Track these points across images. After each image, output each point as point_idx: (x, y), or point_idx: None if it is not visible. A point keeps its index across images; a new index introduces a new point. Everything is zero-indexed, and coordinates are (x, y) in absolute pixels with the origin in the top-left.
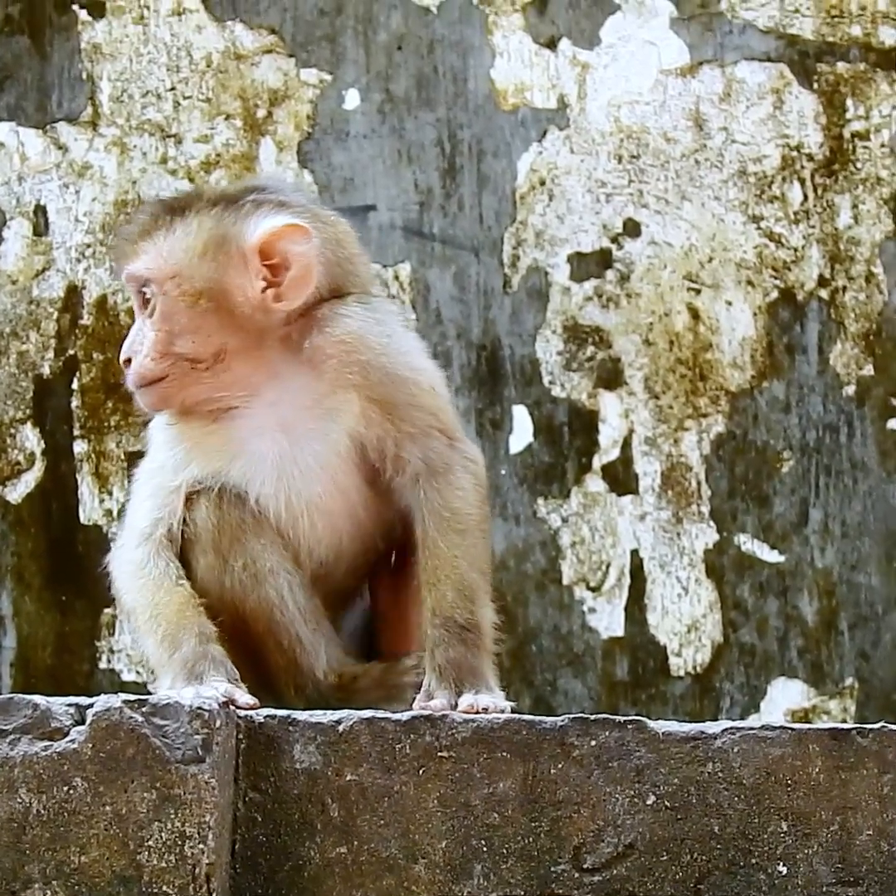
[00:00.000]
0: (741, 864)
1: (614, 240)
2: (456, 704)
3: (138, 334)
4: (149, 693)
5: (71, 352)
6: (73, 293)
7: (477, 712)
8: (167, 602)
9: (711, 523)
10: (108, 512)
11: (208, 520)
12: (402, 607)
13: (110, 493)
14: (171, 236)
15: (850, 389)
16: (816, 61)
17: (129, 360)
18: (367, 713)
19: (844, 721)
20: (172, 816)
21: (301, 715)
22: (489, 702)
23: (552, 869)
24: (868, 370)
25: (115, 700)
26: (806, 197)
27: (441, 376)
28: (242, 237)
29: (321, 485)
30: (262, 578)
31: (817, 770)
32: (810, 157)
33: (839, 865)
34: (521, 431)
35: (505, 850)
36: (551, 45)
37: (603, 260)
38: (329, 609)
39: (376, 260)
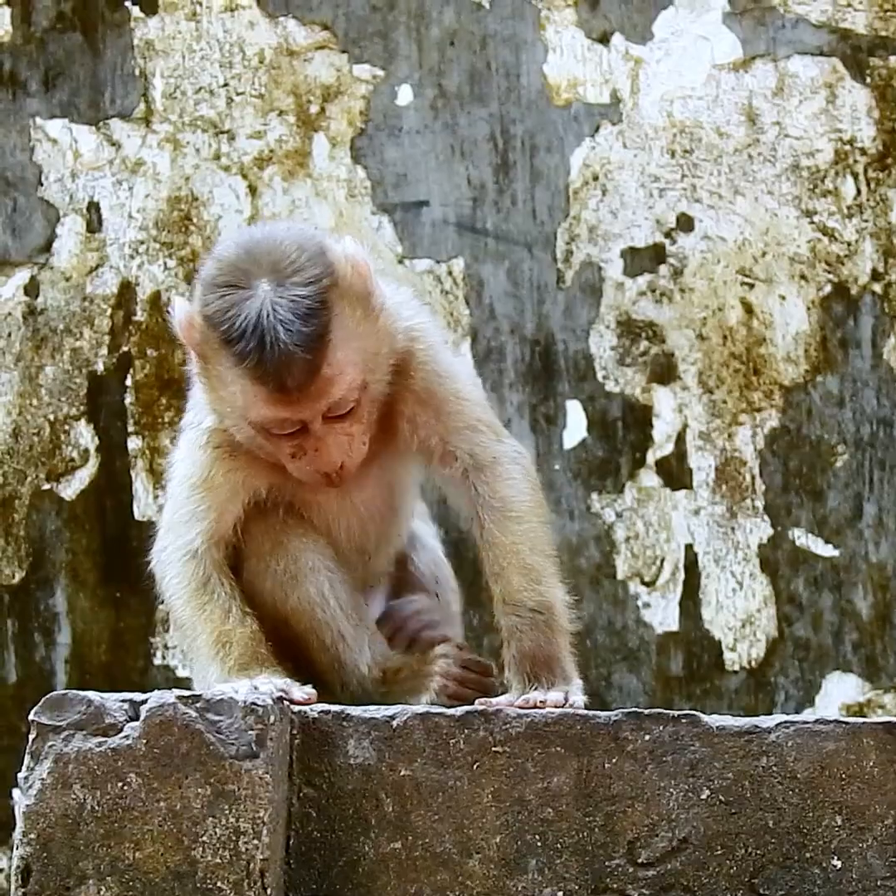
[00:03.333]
0: (795, 858)
1: (667, 234)
2: (528, 700)
3: (338, 439)
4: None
5: (125, 348)
6: (127, 289)
7: (541, 707)
8: (231, 630)
9: (766, 518)
10: (162, 508)
11: (252, 526)
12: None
13: (164, 490)
14: (342, 340)
15: None
16: (869, 55)
17: (342, 465)
18: (421, 708)
19: None
20: (227, 812)
21: (355, 710)
22: (559, 697)
23: (606, 863)
24: None
25: (169, 696)
26: (859, 191)
27: (475, 377)
28: (368, 288)
29: (369, 487)
30: (302, 578)
31: (871, 764)
32: (863, 152)
33: (893, 859)
34: (575, 426)
35: (559, 845)
36: (604, 40)
37: (656, 255)
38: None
39: (429, 256)
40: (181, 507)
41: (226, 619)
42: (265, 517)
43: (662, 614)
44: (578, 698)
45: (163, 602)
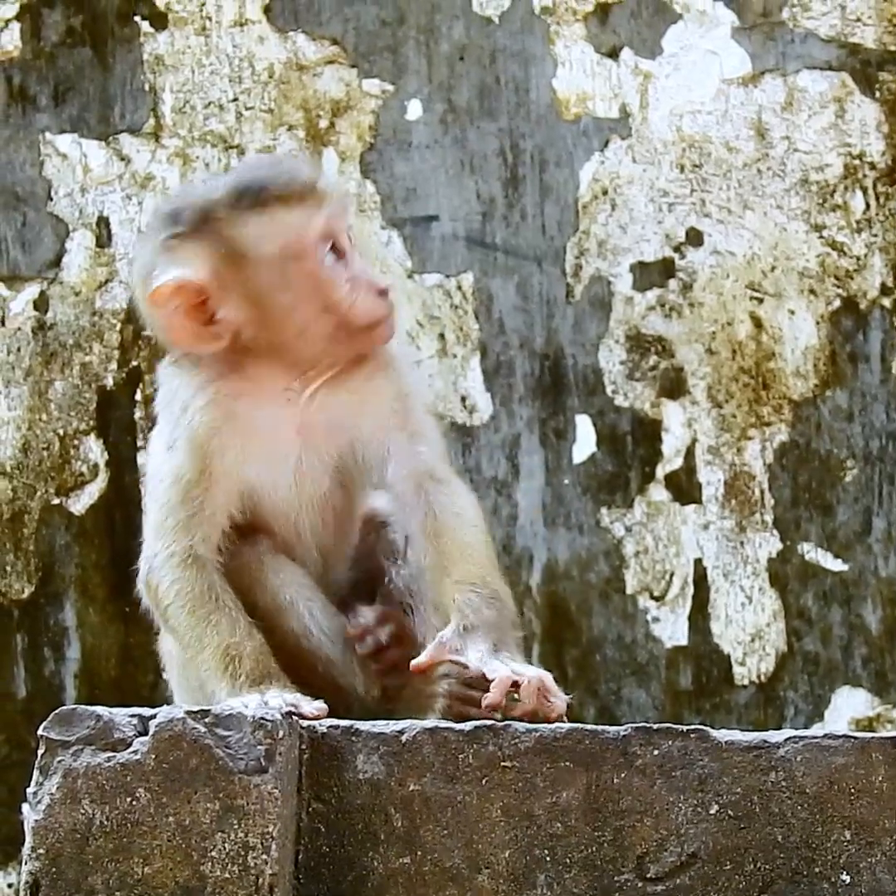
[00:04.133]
0: (804, 873)
1: (677, 249)
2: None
3: (363, 270)
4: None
5: (134, 363)
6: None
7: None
8: (240, 643)
9: (775, 532)
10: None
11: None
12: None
13: None
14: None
15: None
16: (879, 70)
17: (386, 290)
18: (430, 723)
19: None
20: (236, 827)
21: (364, 725)
22: (524, 668)
23: (615, 878)
24: None
25: (178, 711)
26: (868, 205)
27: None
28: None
29: (327, 483)
30: (284, 610)
31: (881, 779)
32: (873, 166)
33: None
34: (584, 441)
35: (568, 860)
36: (613, 54)
37: (665, 269)
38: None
39: (439, 270)
40: (161, 494)
41: (234, 631)
42: (241, 553)
43: (671, 629)
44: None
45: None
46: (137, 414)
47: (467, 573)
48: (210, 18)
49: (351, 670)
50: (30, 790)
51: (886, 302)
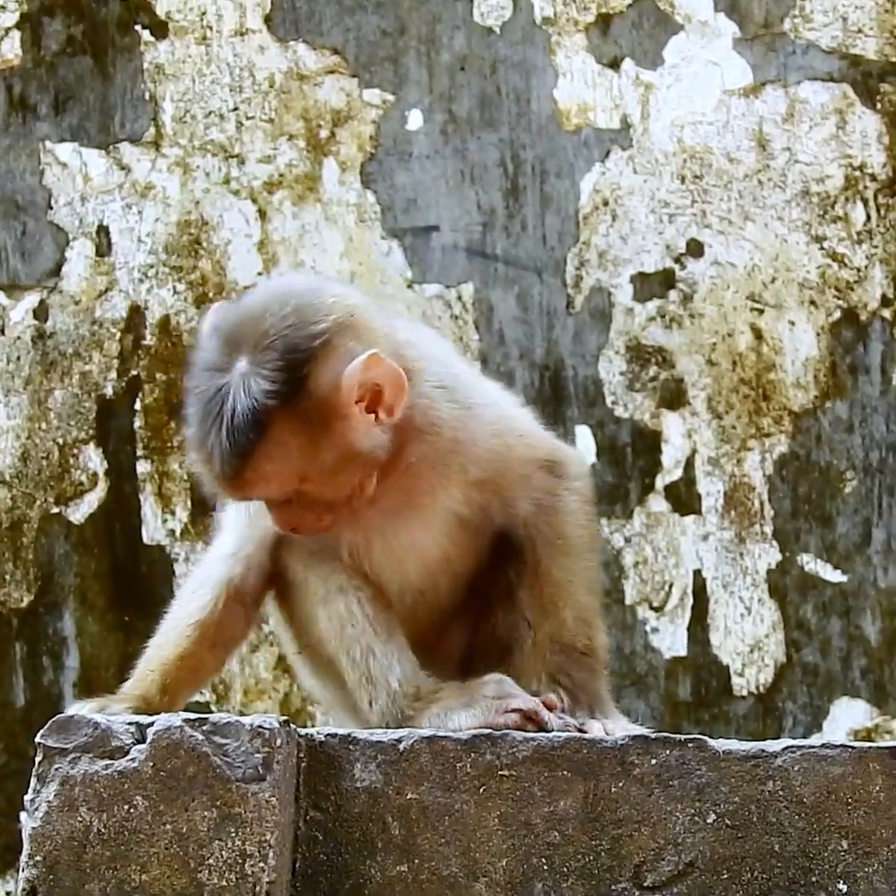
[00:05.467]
0: (801, 882)
1: (677, 260)
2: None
3: (287, 513)
4: (210, 712)
5: (134, 372)
6: (136, 313)
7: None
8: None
9: (774, 543)
10: (172, 532)
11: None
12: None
13: (173, 513)
14: (270, 459)
15: None
16: (879, 81)
17: (295, 529)
18: (428, 732)
19: None
20: (233, 835)
21: (361, 734)
22: (620, 728)
23: (612, 887)
24: None
25: (176, 719)
26: (869, 217)
27: (509, 400)
28: (333, 403)
29: (419, 554)
30: (331, 597)
31: (878, 788)
32: (873, 177)
33: None
34: (584, 451)
35: (565, 869)
36: (614, 65)
37: (666, 280)
38: (431, 632)
39: (439, 281)
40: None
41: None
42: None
43: (671, 639)
44: (619, 730)
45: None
46: (137, 423)
47: (561, 629)
48: (211, 28)
49: (389, 662)
50: (27, 798)
51: (887, 313)
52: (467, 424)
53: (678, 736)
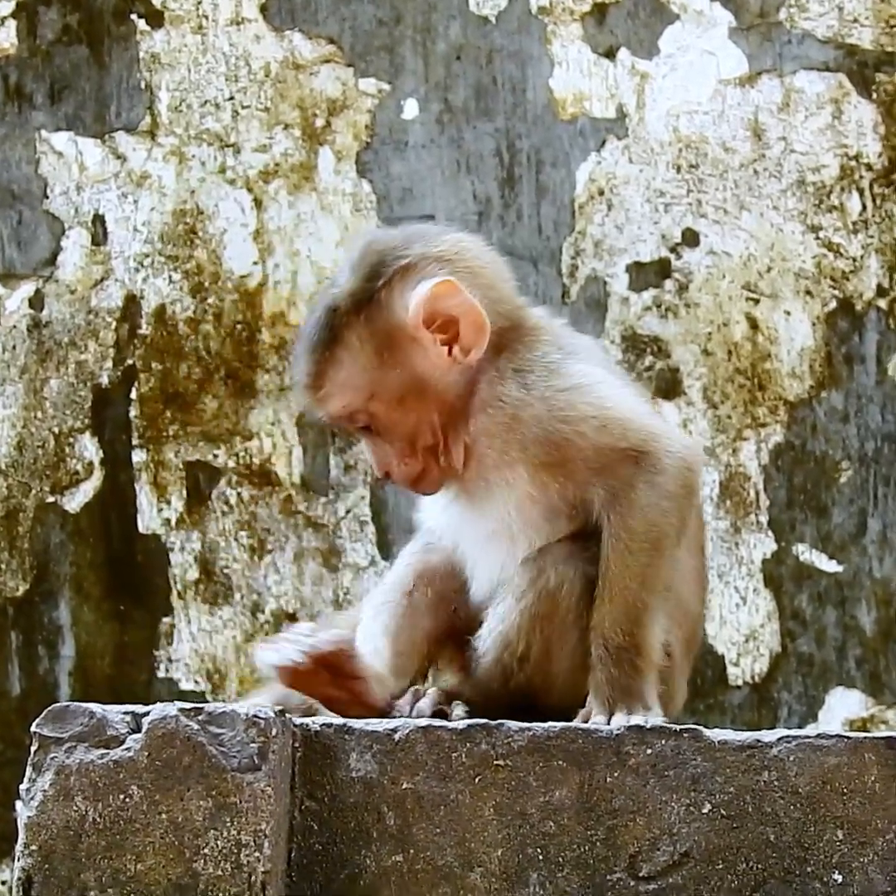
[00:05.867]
0: (797, 872)
1: (673, 250)
2: (608, 722)
3: (378, 450)
4: (206, 701)
5: (129, 361)
6: (132, 303)
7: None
8: None
9: (770, 533)
10: (167, 521)
11: None
12: None
13: (168, 503)
14: (342, 366)
15: None
16: (875, 71)
17: (387, 474)
18: (423, 721)
19: None
20: (228, 825)
21: (357, 723)
22: (639, 720)
23: (608, 877)
24: None
25: (172, 708)
26: (864, 207)
27: (613, 389)
28: (402, 322)
29: (494, 544)
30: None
31: (873, 779)
32: (869, 167)
33: (894, 874)
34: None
35: (561, 859)
36: (610, 54)
37: (661, 270)
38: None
39: None
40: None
41: None
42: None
43: None
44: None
45: (167, 615)
46: (132, 412)
47: (603, 621)
48: (206, 17)
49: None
50: (23, 787)
51: (882, 303)
52: (531, 406)
53: (673, 726)
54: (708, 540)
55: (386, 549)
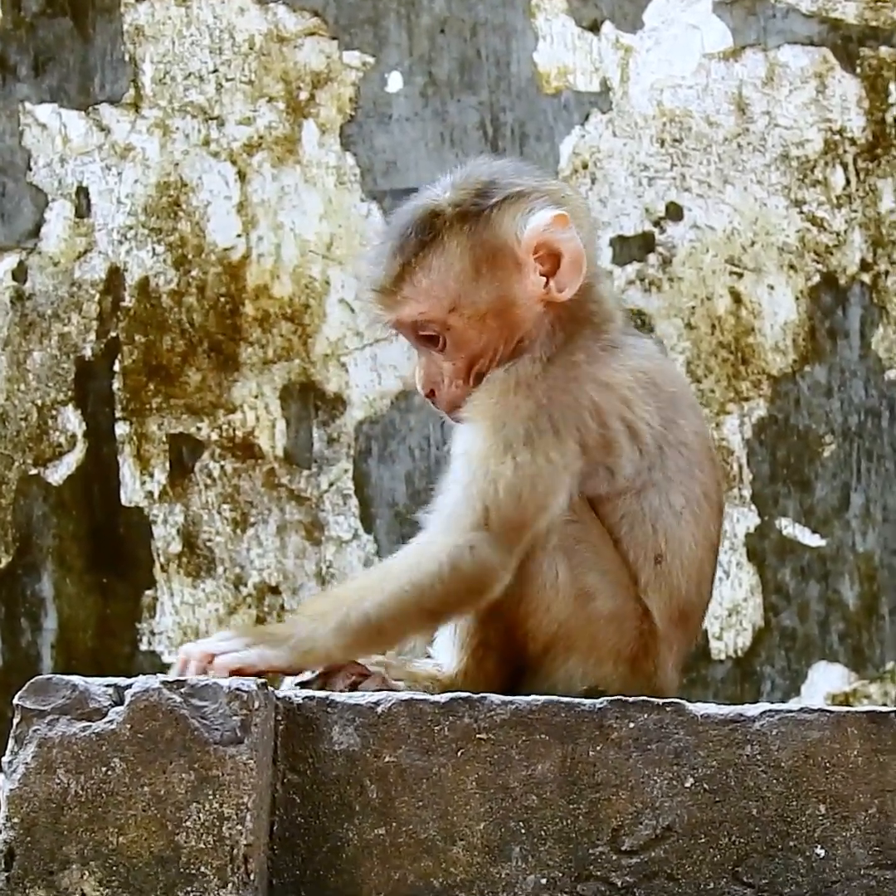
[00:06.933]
0: (779, 846)
1: (657, 223)
2: None
3: (431, 367)
4: None
5: (112, 334)
6: (115, 275)
7: None
8: None
9: (753, 507)
10: (150, 494)
11: None
12: None
13: (151, 475)
14: (433, 270)
15: (892, 374)
16: (859, 46)
17: (432, 392)
18: (406, 695)
19: (885, 705)
20: (211, 798)
21: (339, 696)
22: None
23: (590, 851)
24: None
25: (154, 681)
26: (848, 181)
27: (532, 454)
28: (511, 242)
29: None
30: None
31: (856, 753)
32: (853, 142)
33: (877, 848)
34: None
35: (543, 832)
36: (594, 28)
37: (645, 243)
38: None
39: None
40: None
41: None
42: None
43: None
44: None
45: (150, 587)
46: (115, 385)
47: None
48: None
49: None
50: (4, 759)
51: (866, 277)
52: (568, 386)
53: (656, 700)
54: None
55: (368, 522)
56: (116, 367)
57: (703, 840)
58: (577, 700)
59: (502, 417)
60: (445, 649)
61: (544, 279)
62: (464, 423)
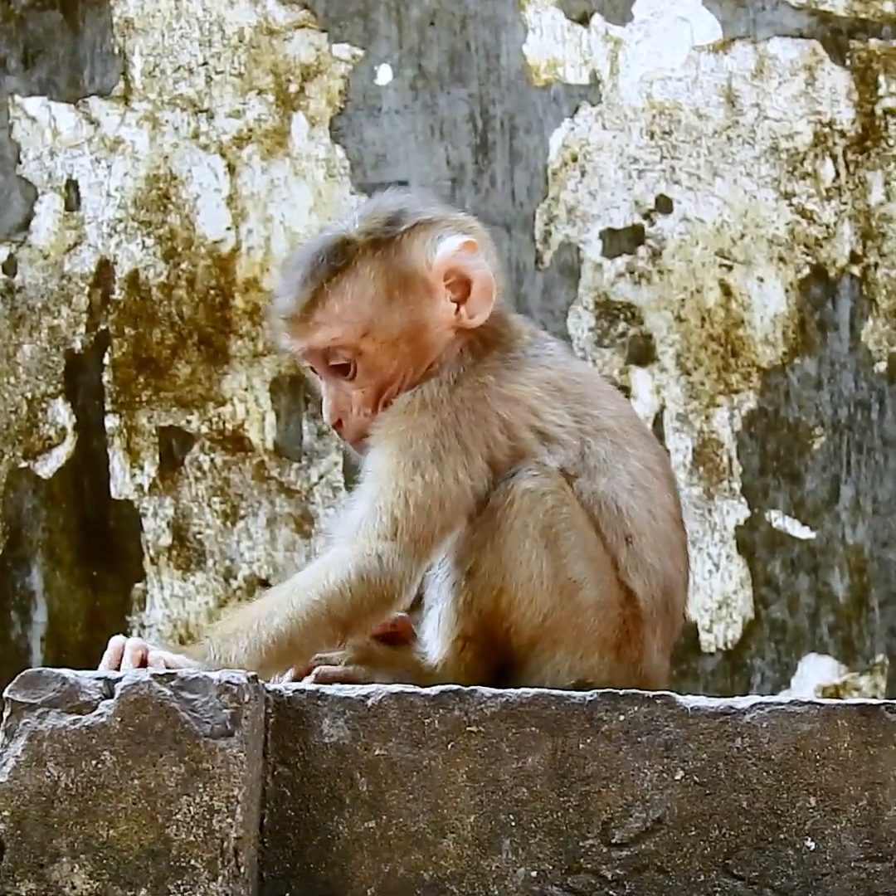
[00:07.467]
0: (769, 839)
1: (646, 216)
2: None
3: (339, 395)
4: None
5: (102, 327)
6: (105, 268)
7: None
8: None
9: (742, 500)
10: (140, 487)
11: None
12: None
13: (141, 468)
14: (346, 297)
15: (882, 366)
16: (849, 38)
17: (339, 422)
18: (396, 688)
19: (875, 697)
20: (201, 790)
21: (330, 689)
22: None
23: (580, 844)
24: None
25: (144, 674)
26: (838, 173)
27: (441, 470)
28: (422, 267)
29: None
30: None
31: (846, 745)
32: (842, 134)
33: (867, 841)
34: None
35: (533, 825)
36: (584, 20)
37: (635, 236)
38: None
39: None
40: None
41: None
42: None
43: None
44: None
45: (139, 580)
46: (105, 377)
47: None
48: None
49: None
50: None
51: (855, 270)
52: (476, 406)
53: (646, 692)
54: (683, 506)
55: None
56: (106, 360)
57: (693, 833)
58: (567, 693)
59: (410, 437)
60: (431, 639)
61: (455, 305)
62: (371, 445)
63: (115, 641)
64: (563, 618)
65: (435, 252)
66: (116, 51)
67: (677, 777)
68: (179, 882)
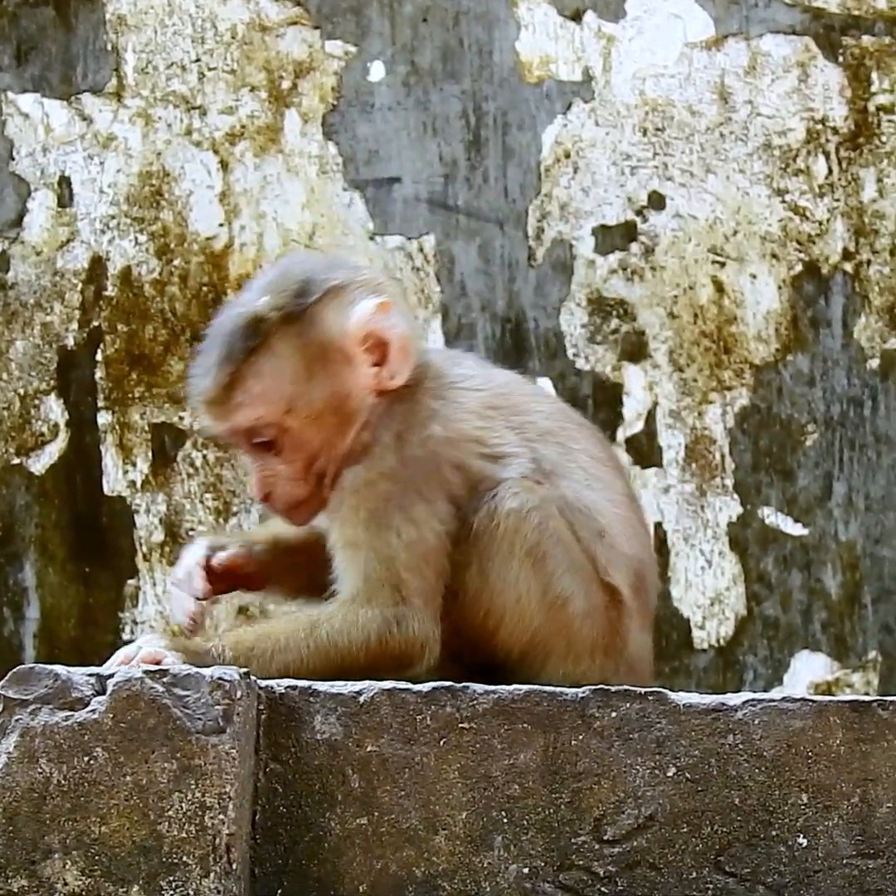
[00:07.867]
0: (761, 836)
1: (639, 212)
2: None
3: (265, 471)
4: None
5: (95, 323)
6: (98, 264)
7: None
8: None
9: (735, 496)
10: (132, 483)
11: None
12: None
13: (134, 465)
14: (264, 376)
15: (874, 363)
16: (842, 35)
17: (268, 496)
18: (388, 684)
19: (867, 694)
20: (193, 787)
21: (322, 685)
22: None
23: (572, 840)
24: (892, 343)
25: (136, 670)
26: (831, 170)
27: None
28: (338, 336)
29: None
30: None
31: (838, 742)
32: (835, 131)
33: (859, 837)
34: None
35: (525, 822)
36: (576, 17)
37: (628, 233)
38: None
39: (401, 233)
40: None
41: None
42: None
43: None
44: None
45: (132, 577)
46: (98, 374)
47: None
48: None
49: None
50: None
51: (848, 267)
52: (422, 455)
53: (638, 689)
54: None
55: None
56: (99, 357)
57: (685, 829)
58: (559, 689)
59: (374, 506)
60: None
61: (375, 369)
62: (335, 519)
63: (128, 651)
64: (552, 632)
65: (349, 319)
66: (109, 47)
67: (669, 774)
68: (171, 878)
